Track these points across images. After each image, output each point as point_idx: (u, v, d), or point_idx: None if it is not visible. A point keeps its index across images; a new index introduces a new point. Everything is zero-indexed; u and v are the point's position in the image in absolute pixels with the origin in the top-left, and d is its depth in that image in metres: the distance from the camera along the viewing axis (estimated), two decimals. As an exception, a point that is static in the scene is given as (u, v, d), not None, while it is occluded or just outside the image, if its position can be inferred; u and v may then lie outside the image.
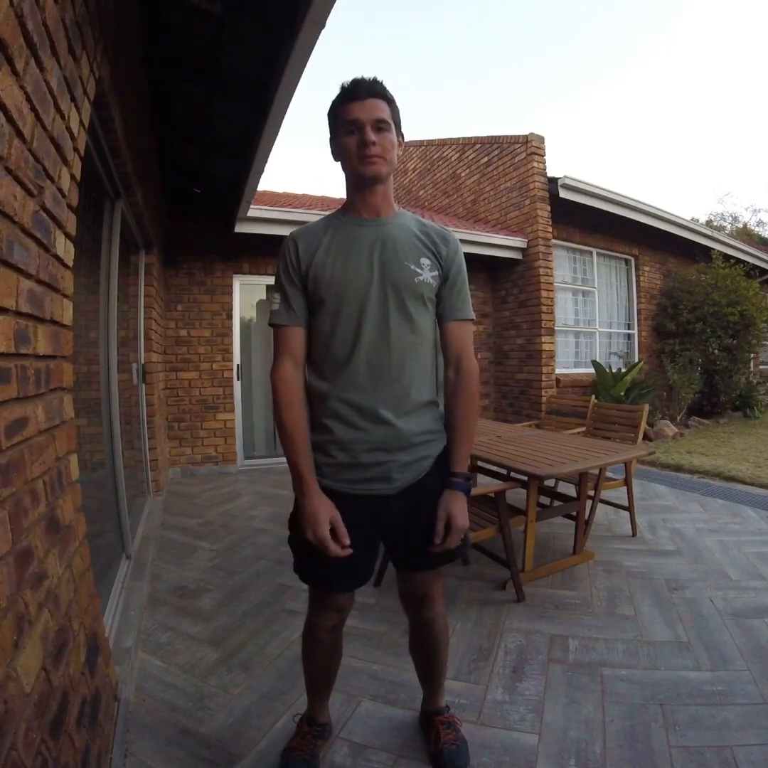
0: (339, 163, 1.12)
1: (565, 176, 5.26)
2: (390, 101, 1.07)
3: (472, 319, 1.18)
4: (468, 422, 1.14)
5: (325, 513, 1.03)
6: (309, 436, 1.10)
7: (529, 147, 5.30)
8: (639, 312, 6.66)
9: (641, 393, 5.52)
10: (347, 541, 1.04)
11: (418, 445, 1.11)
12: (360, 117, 1.03)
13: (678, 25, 50.38)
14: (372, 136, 1.03)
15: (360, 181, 1.09)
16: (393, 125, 1.07)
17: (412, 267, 1.08)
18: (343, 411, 1.08)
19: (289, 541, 1.17)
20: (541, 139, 5.36)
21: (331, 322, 1.08)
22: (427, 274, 1.09)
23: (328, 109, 1.10)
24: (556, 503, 2.70)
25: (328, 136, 1.12)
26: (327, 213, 1.24)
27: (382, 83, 1.07)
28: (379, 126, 1.04)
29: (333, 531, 1.04)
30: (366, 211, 1.12)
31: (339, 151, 1.09)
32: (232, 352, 4.69)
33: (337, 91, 1.07)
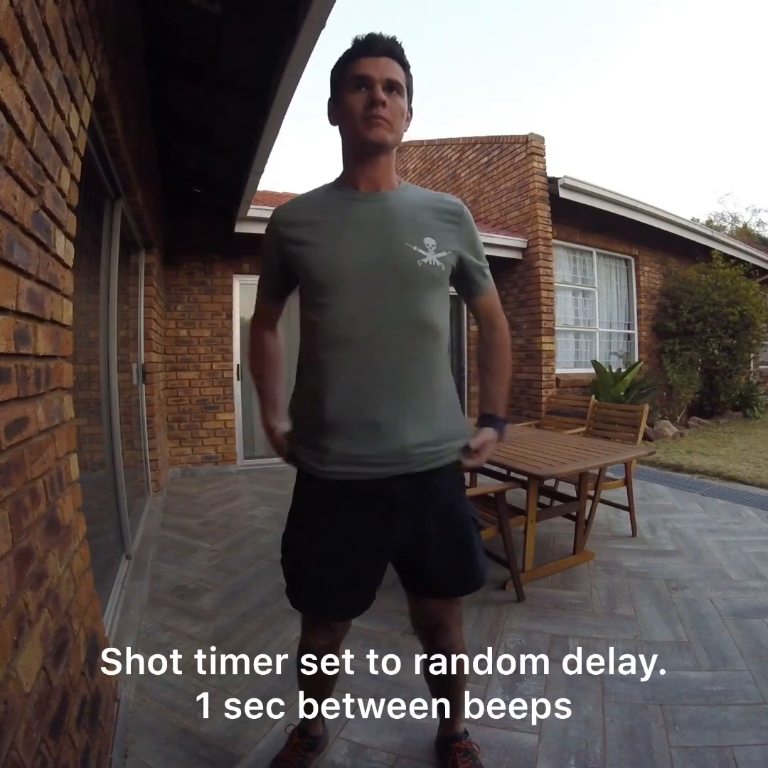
0: (337, 127, 1.00)
1: (565, 176, 5.26)
2: (406, 66, 0.96)
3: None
4: (504, 369, 1.16)
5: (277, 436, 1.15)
6: (281, 385, 1.20)
7: (529, 147, 5.30)
8: (639, 312, 6.66)
9: (641, 393, 5.52)
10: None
11: (421, 458, 0.99)
12: (371, 74, 0.91)
13: (678, 25, 50.42)
14: (382, 95, 0.91)
15: (361, 148, 0.97)
16: (406, 92, 0.96)
17: (415, 248, 0.96)
18: (337, 421, 0.97)
19: (282, 563, 1.11)
20: (541, 139, 5.35)
21: (320, 313, 0.97)
22: (432, 255, 0.97)
23: (334, 65, 0.98)
24: (556, 503, 2.70)
25: (329, 95, 1.00)
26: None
27: (401, 45, 0.95)
28: (391, 87, 0.93)
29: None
30: (364, 183, 1.00)
31: (340, 111, 0.97)
32: (232, 352, 4.68)
33: (348, 46, 0.95)
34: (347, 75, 0.94)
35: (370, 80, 0.92)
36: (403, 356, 0.96)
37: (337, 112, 0.99)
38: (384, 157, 0.99)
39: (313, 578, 1.05)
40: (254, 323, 1.19)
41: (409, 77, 0.97)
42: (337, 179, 1.05)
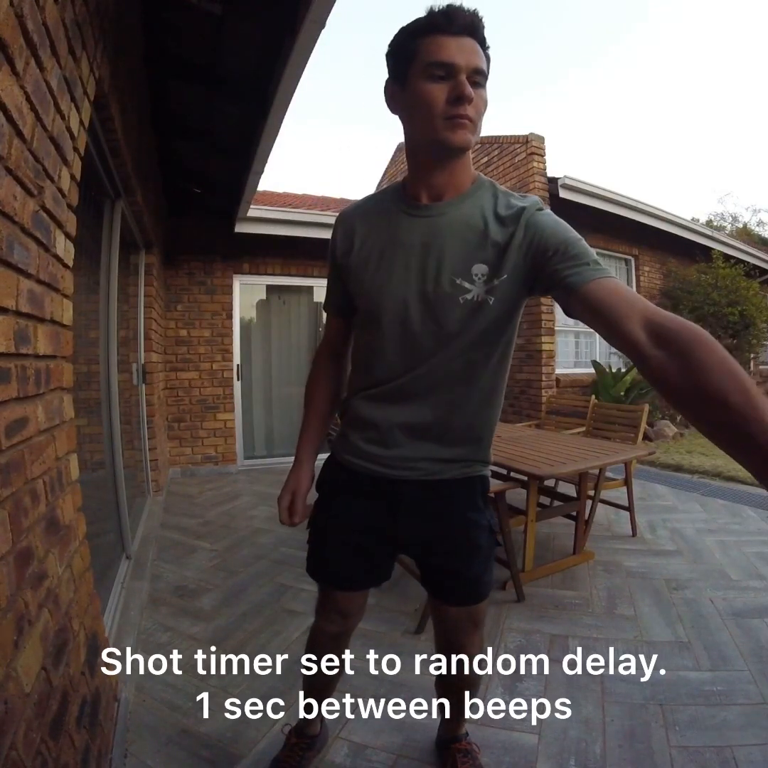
0: (400, 117, 0.85)
1: (565, 176, 5.26)
2: (486, 48, 0.79)
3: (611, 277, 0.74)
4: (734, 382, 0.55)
5: (290, 483, 1.10)
6: (322, 418, 1.11)
7: (529, 147, 5.30)
8: (639, 312, 6.65)
9: (641, 393, 5.52)
10: (297, 519, 1.08)
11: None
12: (456, 60, 0.75)
13: (679, 26, 50.45)
14: (470, 90, 0.75)
15: (435, 150, 0.82)
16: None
17: (459, 281, 0.84)
18: (360, 421, 1.00)
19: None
20: (541, 138, 5.35)
21: (358, 334, 0.99)
22: (479, 289, 0.83)
23: (397, 37, 0.81)
24: (556, 503, 2.70)
25: (389, 74, 0.83)
26: (367, 194, 1.01)
27: (483, 20, 0.77)
28: (476, 79, 0.77)
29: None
30: (427, 193, 0.88)
31: (408, 99, 0.80)
32: (232, 352, 4.69)
33: (419, 15, 0.79)
34: (422, 55, 0.77)
35: (455, 68, 0.75)
36: (433, 387, 0.92)
37: (402, 98, 0.82)
38: (460, 161, 0.86)
39: (325, 549, 1.08)
40: (319, 347, 1.13)
41: (488, 63, 0.80)
42: (402, 182, 0.93)
